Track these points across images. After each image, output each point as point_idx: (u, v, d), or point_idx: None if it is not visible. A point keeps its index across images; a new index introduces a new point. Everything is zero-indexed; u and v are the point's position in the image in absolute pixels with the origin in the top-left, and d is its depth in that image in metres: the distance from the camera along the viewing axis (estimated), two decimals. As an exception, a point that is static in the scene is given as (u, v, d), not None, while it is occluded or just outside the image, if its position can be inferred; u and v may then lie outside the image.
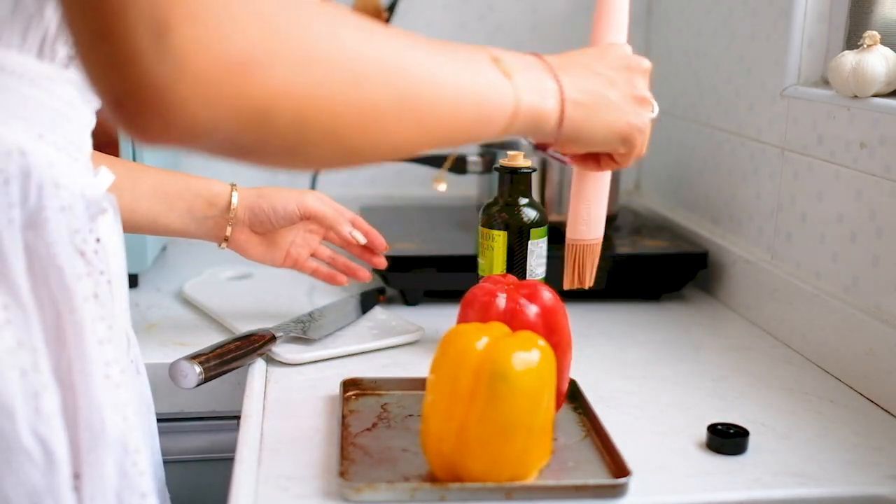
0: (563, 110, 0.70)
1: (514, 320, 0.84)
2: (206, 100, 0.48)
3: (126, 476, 0.70)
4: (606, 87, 0.73)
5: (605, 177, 0.89)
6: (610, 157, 0.79)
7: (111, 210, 0.72)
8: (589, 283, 0.92)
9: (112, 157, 0.96)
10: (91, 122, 0.71)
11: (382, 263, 1.14)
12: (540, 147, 0.74)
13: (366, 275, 1.15)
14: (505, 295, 0.86)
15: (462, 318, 0.89)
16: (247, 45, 0.49)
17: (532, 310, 0.84)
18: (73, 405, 0.67)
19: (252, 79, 0.49)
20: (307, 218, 1.08)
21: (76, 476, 0.67)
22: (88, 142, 0.71)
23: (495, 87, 0.65)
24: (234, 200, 1.04)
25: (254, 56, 0.49)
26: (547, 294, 0.86)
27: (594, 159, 0.81)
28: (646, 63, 0.77)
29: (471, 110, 0.63)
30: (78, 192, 0.65)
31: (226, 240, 1.06)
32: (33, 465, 0.62)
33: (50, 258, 0.64)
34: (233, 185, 1.05)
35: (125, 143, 1.20)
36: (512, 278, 0.91)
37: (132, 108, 0.48)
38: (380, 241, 1.13)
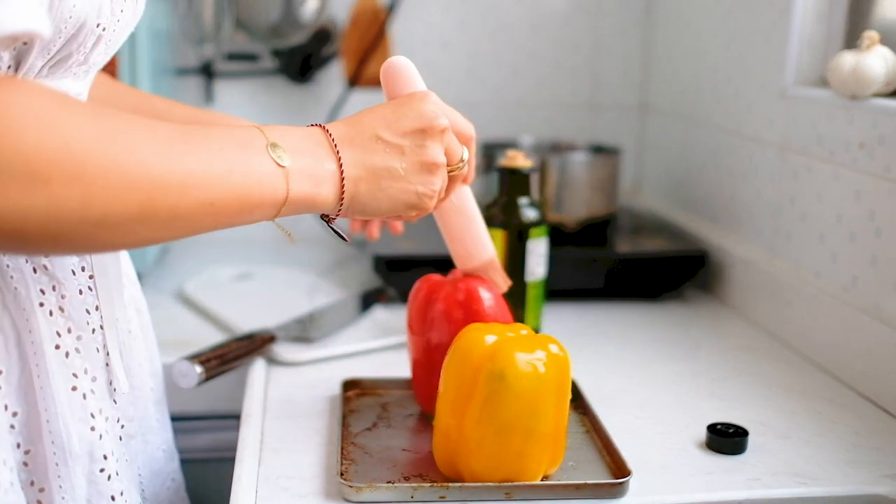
0: (342, 191, 0.67)
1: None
2: None
3: (94, 483, 0.71)
4: (394, 157, 0.69)
5: (465, 210, 0.85)
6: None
7: None
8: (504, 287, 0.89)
9: (142, 94, 0.92)
10: None
11: (373, 234, 1.05)
12: (324, 218, 0.71)
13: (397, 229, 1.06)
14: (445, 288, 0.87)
15: (408, 312, 0.88)
16: None
17: (460, 297, 0.85)
18: (35, 420, 0.67)
19: None
20: None
21: (40, 490, 0.68)
22: None
23: (265, 178, 0.63)
24: None
25: None
26: (485, 293, 0.86)
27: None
28: (442, 122, 0.71)
29: (234, 204, 0.61)
30: None
31: None
32: None
33: (5, 283, 0.64)
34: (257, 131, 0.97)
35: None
36: (458, 275, 0.90)
37: None
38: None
